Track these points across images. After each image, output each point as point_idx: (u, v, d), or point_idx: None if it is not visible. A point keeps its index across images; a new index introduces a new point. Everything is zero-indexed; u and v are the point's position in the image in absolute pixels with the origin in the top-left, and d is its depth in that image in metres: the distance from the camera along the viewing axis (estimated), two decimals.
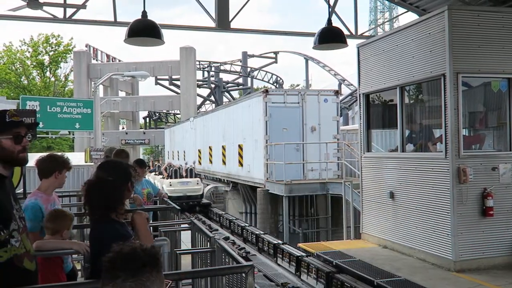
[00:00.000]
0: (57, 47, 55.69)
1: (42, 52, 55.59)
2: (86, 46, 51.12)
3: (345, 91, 39.71)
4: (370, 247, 8.93)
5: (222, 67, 54.83)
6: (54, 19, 10.28)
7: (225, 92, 55.20)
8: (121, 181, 2.88)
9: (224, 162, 21.30)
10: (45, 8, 9.81)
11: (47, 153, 4.20)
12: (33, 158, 4.56)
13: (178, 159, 34.31)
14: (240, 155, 18.82)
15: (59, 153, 4.40)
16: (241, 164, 18.78)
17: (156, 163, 34.49)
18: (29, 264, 2.61)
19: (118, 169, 3.02)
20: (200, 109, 52.30)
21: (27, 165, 2.98)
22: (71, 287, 3.16)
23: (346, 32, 10.31)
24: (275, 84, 54.64)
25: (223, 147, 21.38)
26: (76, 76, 48.54)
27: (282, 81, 56.14)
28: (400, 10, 14.08)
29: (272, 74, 55.76)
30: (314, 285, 8.32)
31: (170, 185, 20.84)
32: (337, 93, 17.55)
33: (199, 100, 54.26)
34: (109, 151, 7.00)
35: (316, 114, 16.55)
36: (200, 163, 26.63)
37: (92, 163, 15.46)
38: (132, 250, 1.47)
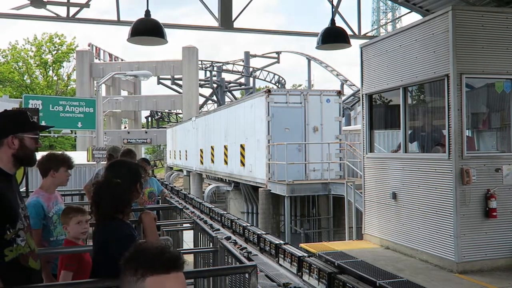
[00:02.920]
0: (60, 46, 55.82)
1: (45, 51, 55.73)
2: (88, 46, 51.20)
3: (348, 91, 39.71)
4: (372, 248, 8.91)
5: (224, 67, 54.85)
6: (57, 18, 10.29)
7: (227, 92, 55.23)
8: (130, 182, 2.85)
9: (226, 162, 21.30)
10: (48, 6, 9.82)
11: (47, 152, 4.21)
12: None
13: (180, 158, 34.32)
14: (242, 155, 18.81)
15: (57, 152, 4.39)
16: (243, 164, 18.77)
17: None
18: (34, 263, 2.62)
19: (127, 170, 2.97)
20: (202, 108, 52.32)
21: None
22: (72, 286, 3.15)
23: (349, 32, 10.29)
24: (277, 84, 54.68)
25: (225, 147, 21.37)
26: (79, 75, 48.61)
27: (284, 81, 56.16)
28: (403, 10, 14.07)
29: (274, 74, 55.83)
30: (316, 286, 8.30)
31: None
32: (339, 93, 17.52)
33: (201, 100, 54.32)
34: (113, 150, 6.97)
35: (318, 114, 16.53)
36: (202, 162, 26.64)
37: (94, 162, 15.47)
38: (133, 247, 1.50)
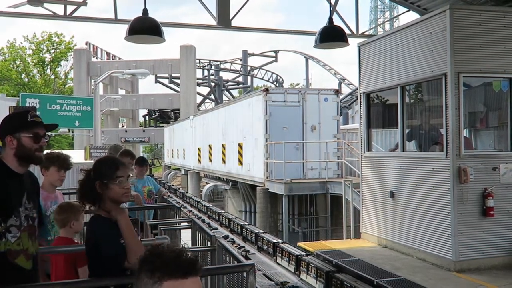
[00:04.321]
0: (58, 45, 55.71)
1: (43, 50, 55.60)
2: (86, 44, 51.09)
3: (345, 90, 39.73)
4: (370, 247, 8.92)
5: (222, 66, 54.81)
6: (55, 16, 10.25)
7: (225, 91, 55.19)
8: (94, 177, 2.81)
9: (223, 161, 21.29)
10: (45, 5, 9.78)
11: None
12: None
13: (178, 157, 34.29)
14: (240, 154, 18.81)
15: (55, 151, 4.37)
16: (241, 163, 18.77)
17: None
18: (24, 262, 2.65)
19: (97, 166, 2.94)
20: (199, 107, 52.27)
21: None
22: (70, 285, 3.14)
23: (347, 31, 10.29)
24: (275, 83, 54.61)
25: (223, 146, 21.36)
26: (76, 74, 48.52)
27: (282, 80, 56.13)
28: (401, 9, 14.07)
29: (272, 73, 55.76)
30: (314, 284, 8.30)
31: None
32: (337, 92, 17.53)
33: (199, 99, 54.27)
34: (114, 149, 6.95)
35: (316, 113, 16.54)
36: (199, 161, 26.62)
37: (92, 161, 15.43)
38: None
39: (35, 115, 2.75)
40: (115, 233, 2.74)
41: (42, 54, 55.85)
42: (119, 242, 2.73)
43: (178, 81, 49.80)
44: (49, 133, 38.67)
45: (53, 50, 55.82)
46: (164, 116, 56.52)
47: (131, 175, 2.92)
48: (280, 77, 55.79)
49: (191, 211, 19.45)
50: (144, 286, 1.40)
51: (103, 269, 2.73)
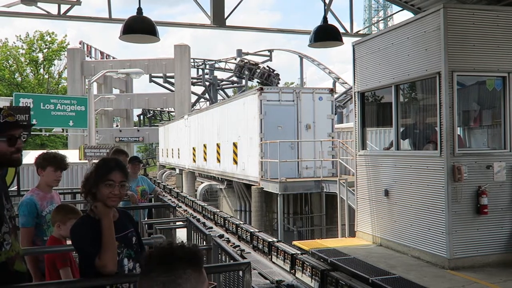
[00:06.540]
0: (50, 44, 55.40)
1: (36, 49, 55.28)
2: (80, 43, 50.87)
3: (340, 89, 39.80)
4: (365, 245, 8.95)
5: (216, 65, 54.73)
6: (48, 16, 10.21)
7: (220, 90, 55.12)
8: (91, 173, 2.82)
9: (218, 160, 21.28)
10: (39, 4, 9.74)
11: (41, 151, 4.19)
12: (25, 156, 4.52)
13: (173, 157, 34.23)
14: (235, 153, 18.80)
15: (51, 151, 4.36)
16: (235, 162, 18.76)
17: None
18: (20, 266, 2.59)
19: (97, 163, 2.97)
20: (194, 107, 52.20)
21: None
22: (66, 285, 3.14)
23: (341, 30, 10.31)
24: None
25: (218, 145, 21.35)
26: (70, 74, 48.26)
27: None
28: (395, 8, 14.12)
29: None
30: (309, 283, 8.32)
31: None
32: (332, 91, 17.54)
33: (194, 98, 54.17)
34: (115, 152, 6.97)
35: (311, 112, 16.55)
36: (194, 161, 26.58)
37: (87, 161, 15.38)
38: (168, 245, 1.49)
39: (9, 114, 2.52)
40: (84, 231, 2.68)
41: (35, 54, 55.53)
42: (87, 241, 2.64)
43: (172, 80, 49.70)
44: (44, 133, 38.37)
45: (45, 50, 55.51)
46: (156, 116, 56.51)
47: (126, 185, 2.87)
48: None
49: (186, 210, 19.44)
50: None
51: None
